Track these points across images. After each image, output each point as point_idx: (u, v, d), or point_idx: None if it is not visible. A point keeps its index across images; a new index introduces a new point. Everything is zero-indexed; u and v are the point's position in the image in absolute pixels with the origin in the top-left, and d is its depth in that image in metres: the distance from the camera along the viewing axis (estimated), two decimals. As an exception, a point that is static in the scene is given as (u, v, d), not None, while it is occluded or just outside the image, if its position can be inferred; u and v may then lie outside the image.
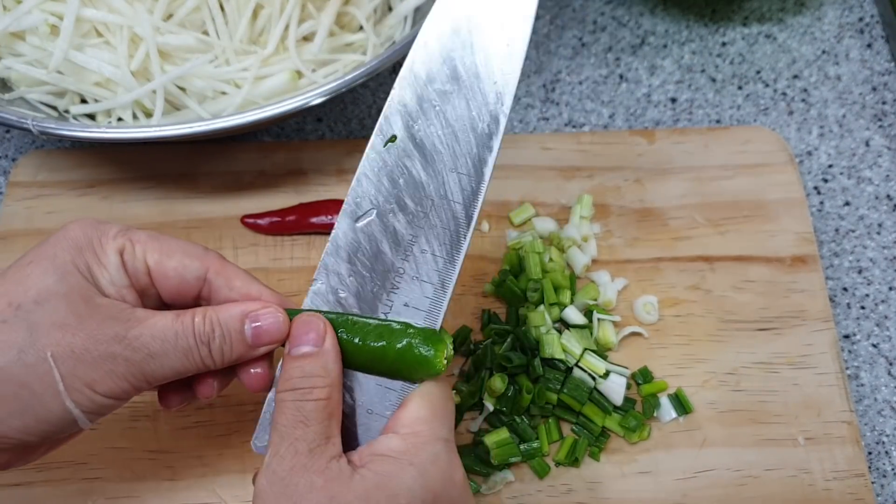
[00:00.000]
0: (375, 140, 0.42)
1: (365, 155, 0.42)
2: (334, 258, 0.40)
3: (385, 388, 0.39)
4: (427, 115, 0.40)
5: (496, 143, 0.40)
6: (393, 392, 0.39)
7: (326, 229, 0.56)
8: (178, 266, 0.40)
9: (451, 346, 0.39)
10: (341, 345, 0.39)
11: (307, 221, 0.58)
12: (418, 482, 0.36)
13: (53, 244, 0.38)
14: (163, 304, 0.41)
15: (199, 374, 0.40)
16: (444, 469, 0.37)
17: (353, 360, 0.39)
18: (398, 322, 0.39)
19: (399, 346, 0.39)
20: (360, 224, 0.40)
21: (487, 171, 0.41)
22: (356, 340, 0.39)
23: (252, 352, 0.40)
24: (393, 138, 0.41)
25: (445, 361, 0.39)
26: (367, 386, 0.40)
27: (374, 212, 0.41)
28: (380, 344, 0.39)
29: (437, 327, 0.39)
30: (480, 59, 0.39)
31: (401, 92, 0.41)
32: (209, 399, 0.42)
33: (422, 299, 0.40)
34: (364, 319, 0.40)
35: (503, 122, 0.40)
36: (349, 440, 0.40)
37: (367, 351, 0.39)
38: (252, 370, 0.41)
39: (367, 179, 0.42)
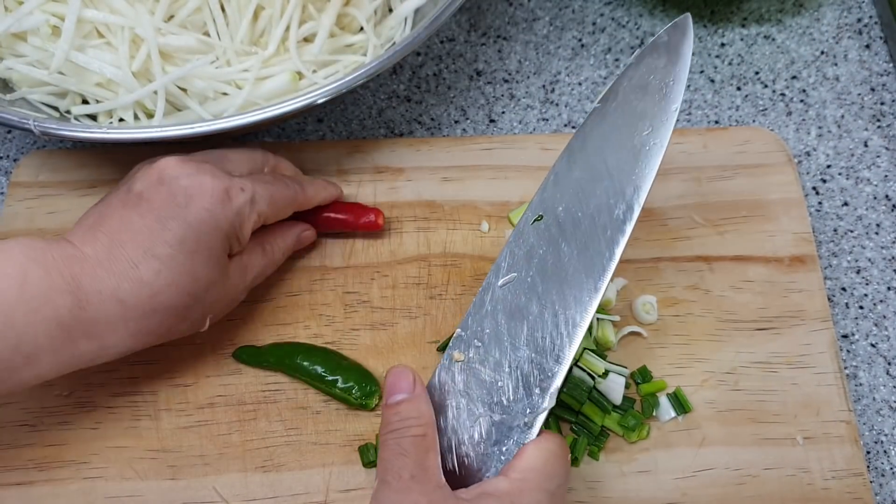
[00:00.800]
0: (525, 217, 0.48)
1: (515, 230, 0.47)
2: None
3: (503, 437, 0.43)
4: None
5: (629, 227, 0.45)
6: (510, 440, 0.42)
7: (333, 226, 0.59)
8: (282, 216, 0.54)
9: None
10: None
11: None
12: None
13: (209, 233, 0.47)
14: None
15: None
16: None
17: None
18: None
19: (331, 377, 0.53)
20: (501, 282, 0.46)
21: (618, 251, 0.45)
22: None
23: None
24: (540, 217, 0.47)
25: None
26: (486, 431, 0.43)
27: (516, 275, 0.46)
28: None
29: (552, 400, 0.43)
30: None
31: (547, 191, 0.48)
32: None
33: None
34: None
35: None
36: (464, 482, 0.43)
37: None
38: None
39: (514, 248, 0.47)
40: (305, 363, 0.54)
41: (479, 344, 0.45)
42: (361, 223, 0.58)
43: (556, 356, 0.43)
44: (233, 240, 0.49)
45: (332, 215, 0.58)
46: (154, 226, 0.46)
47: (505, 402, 0.43)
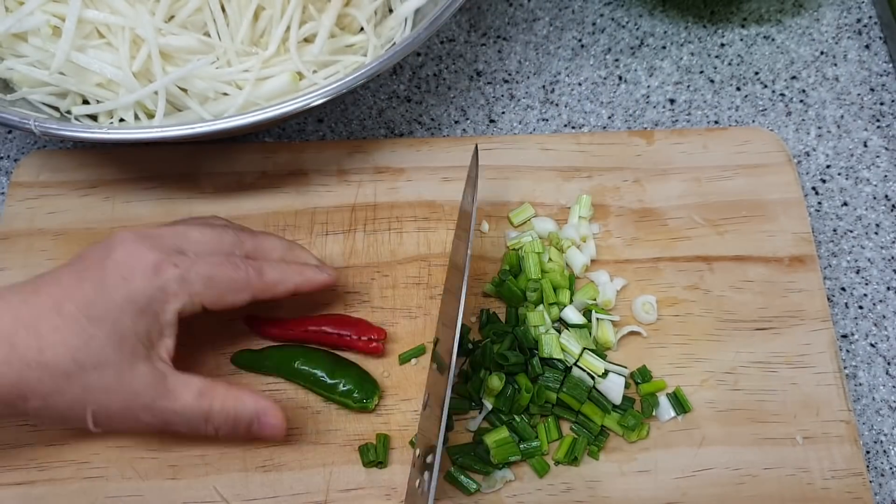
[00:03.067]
0: None
1: None
2: None
3: None
4: None
5: None
6: None
7: (326, 341, 0.55)
8: (230, 303, 0.48)
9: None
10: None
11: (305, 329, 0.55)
12: None
13: (121, 305, 0.44)
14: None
15: None
16: None
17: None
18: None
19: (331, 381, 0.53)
20: None
21: None
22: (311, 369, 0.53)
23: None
24: None
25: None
26: None
27: None
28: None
29: None
30: None
31: None
32: None
33: None
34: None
35: None
36: None
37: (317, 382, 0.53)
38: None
39: None
40: (304, 368, 0.53)
41: None
42: (361, 344, 0.54)
43: None
44: (150, 320, 0.45)
45: (326, 329, 0.54)
46: (73, 282, 0.44)
47: None
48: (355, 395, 0.52)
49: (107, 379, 0.44)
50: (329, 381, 0.53)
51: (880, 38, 0.72)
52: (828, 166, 0.66)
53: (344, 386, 0.52)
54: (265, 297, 0.49)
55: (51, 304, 0.44)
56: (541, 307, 0.56)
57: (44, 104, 0.59)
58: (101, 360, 0.44)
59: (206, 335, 0.54)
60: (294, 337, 0.55)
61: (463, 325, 0.56)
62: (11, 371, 0.43)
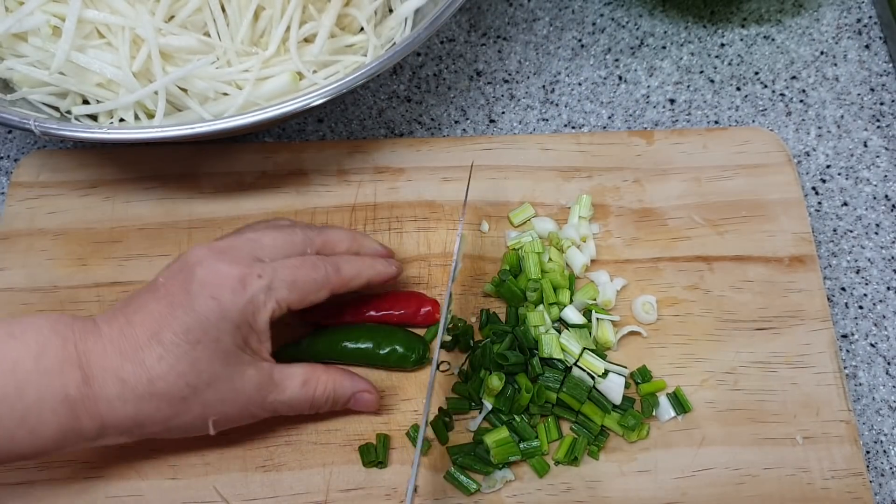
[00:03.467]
0: None
1: None
2: None
3: None
4: None
5: None
6: None
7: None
8: (311, 301, 0.49)
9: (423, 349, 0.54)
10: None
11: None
12: None
13: (216, 324, 0.45)
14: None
15: None
16: None
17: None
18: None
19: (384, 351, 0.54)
20: None
21: None
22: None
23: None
24: None
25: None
26: None
27: None
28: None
29: None
30: None
31: None
32: None
33: None
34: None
35: None
36: None
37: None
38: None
39: None
40: (351, 345, 0.54)
41: None
42: (420, 317, 0.56)
43: None
44: (246, 331, 0.46)
45: (386, 312, 0.55)
46: (165, 311, 0.45)
47: None
48: (410, 356, 0.53)
49: (222, 392, 0.46)
50: (380, 351, 0.53)
51: (880, 38, 0.72)
52: (828, 166, 0.66)
53: (397, 351, 0.53)
54: (341, 291, 0.51)
55: (149, 335, 0.45)
56: (541, 307, 0.56)
57: (44, 104, 0.59)
58: (212, 378, 0.46)
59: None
60: (350, 321, 0.56)
61: (466, 324, 0.56)
62: (128, 406, 0.45)
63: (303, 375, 0.49)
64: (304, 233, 0.51)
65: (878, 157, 0.66)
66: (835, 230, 0.63)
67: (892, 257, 0.62)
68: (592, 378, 0.53)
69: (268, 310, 0.47)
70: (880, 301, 0.61)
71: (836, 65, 0.70)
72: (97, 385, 0.44)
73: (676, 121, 0.68)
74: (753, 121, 0.68)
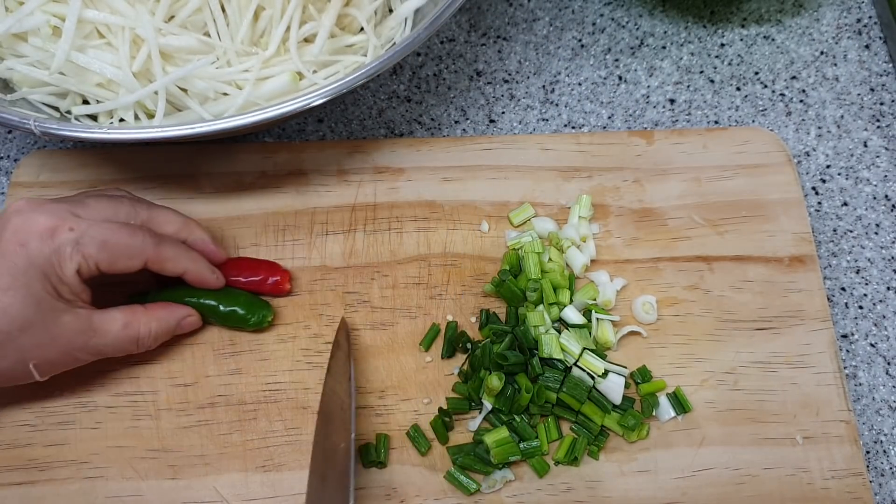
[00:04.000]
0: None
1: None
2: None
3: None
4: None
5: None
6: None
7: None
8: (122, 267, 0.49)
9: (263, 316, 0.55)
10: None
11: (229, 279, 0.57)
12: None
13: (25, 271, 0.46)
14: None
15: None
16: None
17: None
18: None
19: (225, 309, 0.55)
20: None
21: None
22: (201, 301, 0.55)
23: None
24: None
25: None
26: None
27: None
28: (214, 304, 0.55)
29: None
30: None
31: None
32: None
33: None
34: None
35: None
36: None
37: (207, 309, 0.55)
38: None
39: None
40: (193, 300, 0.55)
41: None
42: (268, 286, 0.57)
43: None
44: (55, 280, 0.47)
45: (234, 278, 0.56)
46: None
47: None
48: (249, 318, 0.55)
49: (38, 336, 0.47)
50: (221, 308, 0.55)
51: (880, 38, 0.72)
52: (828, 166, 0.66)
53: (237, 312, 0.55)
54: (155, 269, 0.51)
55: None
56: (541, 307, 0.56)
57: (44, 104, 0.59)
58: (26, 323, 0.46)
59: (206, 334, 0.55)
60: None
61: (463, 331, 0.56)
62: None
63: (123, 318, 0.50)
64: (131, 204, 0.52)
65: (878, 157, 0.66)
66: (835, 230, 0.63)
67: (892, 257, 0.62)
68: (592, 378, 0.53)
69: (74, 262, 0.47)
70: (880, 301, 0.61)
71: (836, 65, 0.70)
72: None
73: (676, 121, 0.68)
74: (753, 121, 0.68)
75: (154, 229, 0.52)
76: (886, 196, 0.65)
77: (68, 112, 0.59)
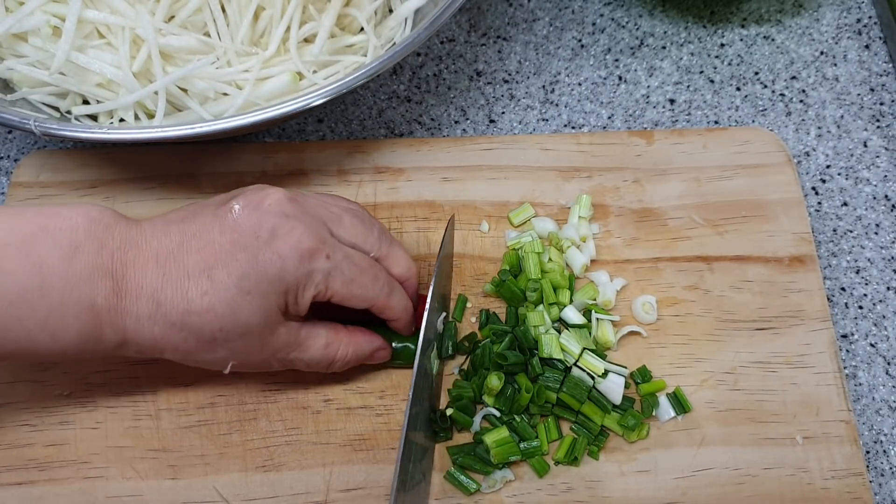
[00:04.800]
0: None
1: None
2: None
3: None
4: None
5: None
6: None
7: None
8: (351, 304, 0.48)
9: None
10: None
11: None
12: None
13: (271, 281, 0.44)
14: None
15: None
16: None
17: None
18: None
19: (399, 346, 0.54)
20: None
21: None
22: None
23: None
24: None
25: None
26: None
27: None
28: None
29: None
30: None
31: None
32: None
33: None
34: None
35: None
36: None
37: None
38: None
39: None
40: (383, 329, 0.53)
41: None
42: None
43: None
44: (291, 298, 0.46)
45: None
46: (226, 247, 0.44)
47: None
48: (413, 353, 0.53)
49: (251, 342, 0.46)
50: (392, 344, 0.54)
51: (880, 38, 0.72)
52: (828, 166, 0.66)
53: (409, 349, 0.54)
54: (374, 311, 0.50)
55: (202, 266, 0.43)
56: (541, 307, 0.56)
57: (44, 104, 0.59)
58: (247, 330, 0.45)
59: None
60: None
61: (472, 333, 0.56)
62: (155, 328, 0.44)
63: (326, 337, 0.49)
64: (380, 235, 0.50)
65: (878, 157, 0.66)
66: (835, 230, 0.63)
67: (892, 257, 0.62)
68: (592, 378, 0.53)
69: (317, 290, 0.46)
70: (880, 301, 0.61)
71: (836, 65, 0.70)
72: (128, 300, 0.43)
73: (676, 121, 0.68)
74: (753, 121, 0.68)
75: (386, 265, 0.51)
76: (886, 196, 0.65)
77: (68, 112, 0.59)
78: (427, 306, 0.52)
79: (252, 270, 0.44)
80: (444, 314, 0.55)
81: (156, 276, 0.43)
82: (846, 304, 0.61)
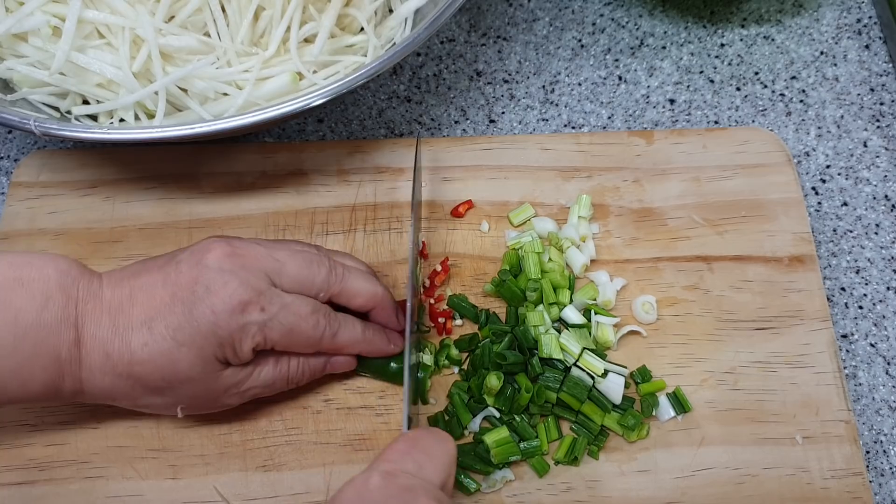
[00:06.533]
0: None
1: None
2: None
3: None
4: None
5: None
6: None
7: None
8: (296, 351, 0.50)
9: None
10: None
11: None
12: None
13: (205, 335, 0.45)
14: None
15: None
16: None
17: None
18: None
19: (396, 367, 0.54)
20: None
21: None
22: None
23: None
24: None
25: None
26: None
27: None
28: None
29: None
30: None
31: None
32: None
33: None
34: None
35: None
36: None
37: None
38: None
39: None
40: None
41: None
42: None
43: None
44: (227, 350, 0.46)
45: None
46: (166, 300, 0.45)
47: None
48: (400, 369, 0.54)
49: (195, 388, 0.47)
50: (394, 367, 0.54)
51: (880, 38, 0.72)
52: (828, 166, 0.66)
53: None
54: (330, 353, 0.52)
55: (143, 318, 0.45)
56: (541, 307, 0.56)
57: (44, 104, 0.59)
58: (188, 378, 0.46)
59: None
60: None
61: (475, 334, 0.56)
62: (105, 379, 0.46)
63: (273, 357, 0.50)
64: (329, 273, 0.50)
65: (878, 157, 0.66)
66: (835, 230, 0.63)
67: (892, 257, 0.62)
68: (592, 378, 0.53)
69: (254, 341, 0.47)
70: (880, 301, 0.61)
71: (836, 65, 0.70)
72: (84, 351, 0.45)
73: (676, 121, 0.68)
74: (753, 121, 0.68)
75: (343, 301, 0.51)
76: (886, 196, 0.65)
77: (68, 112, 0.59)
78: (408, 314, 0.51)
79: (186, 324, 0.45)
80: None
81: (108, 328, 0.45)
82: (846, 304, 0.61)
